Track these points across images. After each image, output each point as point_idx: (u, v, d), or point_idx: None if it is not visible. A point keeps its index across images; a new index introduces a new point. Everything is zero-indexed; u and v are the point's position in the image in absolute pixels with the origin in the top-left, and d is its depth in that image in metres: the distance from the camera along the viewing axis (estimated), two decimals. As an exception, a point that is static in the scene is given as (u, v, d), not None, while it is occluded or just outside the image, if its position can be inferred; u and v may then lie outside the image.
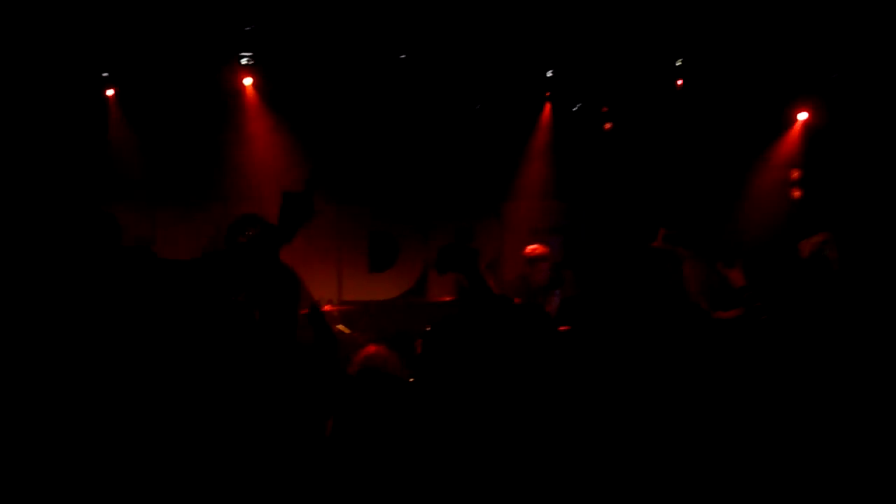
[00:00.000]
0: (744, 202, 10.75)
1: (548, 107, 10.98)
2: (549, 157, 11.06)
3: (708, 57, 10.14)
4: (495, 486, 3.65)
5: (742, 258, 5.31)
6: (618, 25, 9.73)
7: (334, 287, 10.71)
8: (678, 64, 10.36)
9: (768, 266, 5.93)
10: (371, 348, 5.94)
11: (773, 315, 4.95)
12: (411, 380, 5.06)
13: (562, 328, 5.07)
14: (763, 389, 4.19)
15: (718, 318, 5.90)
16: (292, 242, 4.73)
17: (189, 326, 4.38)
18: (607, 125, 11.04)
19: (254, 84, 10.44)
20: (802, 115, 10.78)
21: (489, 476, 3.67)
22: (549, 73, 10.55)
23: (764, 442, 4.02)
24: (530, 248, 8.33)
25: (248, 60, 10.18)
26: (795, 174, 10.74)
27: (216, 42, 9.88)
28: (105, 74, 10.10)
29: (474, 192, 11.08)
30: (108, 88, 10.27)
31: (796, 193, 10.71)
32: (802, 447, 4.09)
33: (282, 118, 10.68)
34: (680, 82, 10.48)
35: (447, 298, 10.72)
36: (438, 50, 10.11)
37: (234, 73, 10.29)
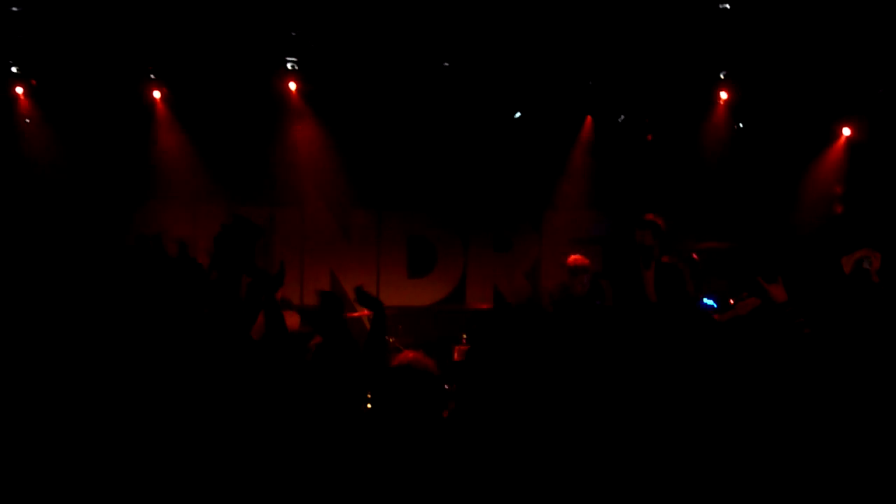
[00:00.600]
0: (788, 215, 10.66)
1: (588, 118, 10.97)
2: (589, 168, 11.05)
3: (753, 71, 10.10)
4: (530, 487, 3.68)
5: (783, 274, 5.30)
6: (662, 37, 9.72)
7: (373, 292, 10.76)
8: (722, 76, 10.33)
9: (811, 281, 5.92)
10: (409, 354, 5.98)
11: (816, 329, 4.94)
12: (447, 387, 5.12)
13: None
14: (804, 401, 4.19)
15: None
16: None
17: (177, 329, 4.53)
18: (649, 136, 11.01)
19: (298, 89, 10.52)
20: (846, 131, 10.70)
21: (524, 478, 3.71)
22: (590, 83, 10.54)
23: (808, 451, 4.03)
24: (572, 258, 8.33)
25: (293, 65, 10.27)
26: (838, 190, 10.66)
27: (262, 45, 9.99)
28: (152, 76, 10.24)
29: (514, 201, 11.09)
30: (155, 90, 10.42)
31: (839, 209, 10.64)
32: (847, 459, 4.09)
33: (325, 123, 10.77)
34: (724, 95, 10.44)
35: (484, 306, 10.78)
36: (482, 59, 10.14)
37: (280, 78, 10.39)
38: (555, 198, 11.17)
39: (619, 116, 10.91)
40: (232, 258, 5.70)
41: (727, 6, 9.41)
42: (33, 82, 10.17)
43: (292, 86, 10.48)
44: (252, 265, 5.90)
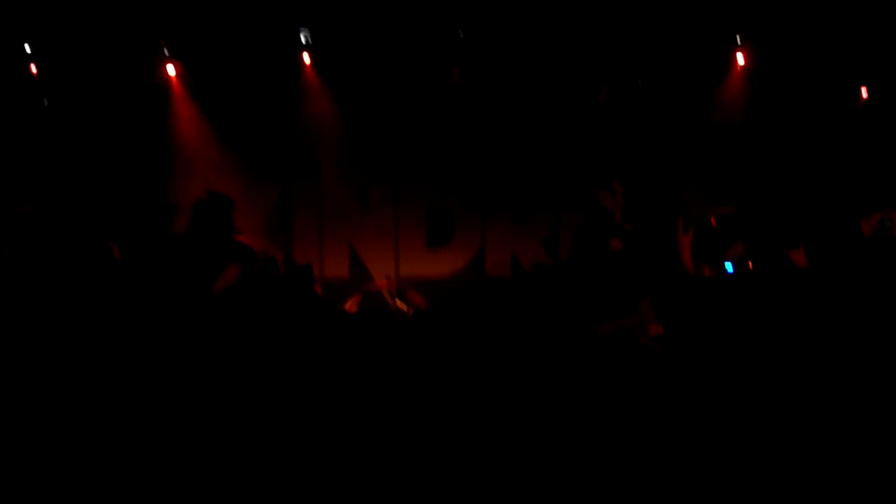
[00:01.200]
0: (804, 178, 10.59)
1: (604, 85, 10.88)
2: (606, 135, 10.96)
3: (771, 32, 10.03)
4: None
5: (804, 239, 5.29)
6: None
7: (392, 263, 10.79)
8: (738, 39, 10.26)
9: (831, 245, 5.90)
10: None
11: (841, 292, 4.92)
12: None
13: None
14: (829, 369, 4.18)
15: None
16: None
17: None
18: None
19: (312, 62, 10.49)
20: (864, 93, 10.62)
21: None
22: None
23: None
24: (615, 242, 8.26)
25: (306, 38, 10.24)
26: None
27: (276, 17, 9.98)
28: (166, 52, 10.22)
29: (531, 171, 11.02)
30: (170, 64, 10.39)
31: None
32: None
33: (341, 95, 10.73)
34: (741, 57, 10.35)
35: (503, 276, 10.77)
36: (497, 28, 10.10)
37: (294, 50, 10.37)
38: (571, 167, 11.08)
39: (637, 82, 10.80)
40: (209, 231, 5.85)
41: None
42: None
43: (307, 58, 10.44)
44: (229, 237, 6.01)
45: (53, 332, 4.18)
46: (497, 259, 11.03)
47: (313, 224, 10.97)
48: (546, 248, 11.11)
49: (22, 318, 4.30)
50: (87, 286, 4.47)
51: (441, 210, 11.13)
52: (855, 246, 5.73)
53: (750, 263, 7.56)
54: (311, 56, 10.44)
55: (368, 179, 11.01)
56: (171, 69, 10.39)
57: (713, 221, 9.12)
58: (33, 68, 10.14)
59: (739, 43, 10.31)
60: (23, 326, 4.22)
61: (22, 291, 4.60)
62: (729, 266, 8.48)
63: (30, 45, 9.91)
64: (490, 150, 10.93)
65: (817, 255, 5.24)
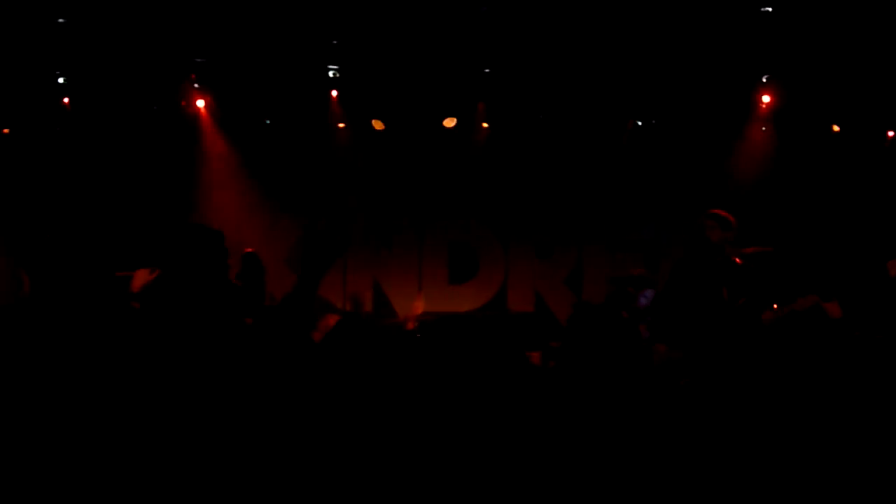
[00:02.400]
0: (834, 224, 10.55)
1: (629, 122, 10.92)
2: (630, 173, 10.98)
3: (795, 74, 10.04)
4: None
5: (839, 292, 5.29)
6: (702, 40, 9.70)
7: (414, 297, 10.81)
8: (763, 80, 10.28)
9: (861, 290, 5.91)
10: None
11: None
12: None
13: None
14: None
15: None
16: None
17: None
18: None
19: (340, 99, 10.56)
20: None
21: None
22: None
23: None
24: (637, 271, 8.21)
25: (333, 73, 10.33)
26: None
27: (303, 53, 10.06)
28: (196, 86, 10.32)
29: (554, 207, 11.05)
30: (200, 99, 10.50)
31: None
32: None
33: (365, 130, 10.80)
34: (766, 99, 10.38)
35: (525, 310, 10.78)
36: (520, 64, 10.15)
37: (322, 87, 10.45)
38: (595, 203, 11.10)
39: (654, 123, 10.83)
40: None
41: (769, 9, 9.38)
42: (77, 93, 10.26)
43: (334, 95, 10.52)
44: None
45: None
46: (519, 294, 11.05)
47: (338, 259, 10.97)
48: (569, 287, 11.13)
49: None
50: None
51: (464, 245, 11.16)
52: (885, 293, 5.73)
53: (775, 306, 7.52)
54: (338, 93, 10.51)
55: (393, 216, 11.05)
56: (200, 102, 10.48)
57: (738, 261, 9.10)
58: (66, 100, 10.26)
59: (764, 83, 10.31)
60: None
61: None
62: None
63: (63, 76, 10.02)
64: (513, 185, 10.96)
65: (851, 306, 5.24)
